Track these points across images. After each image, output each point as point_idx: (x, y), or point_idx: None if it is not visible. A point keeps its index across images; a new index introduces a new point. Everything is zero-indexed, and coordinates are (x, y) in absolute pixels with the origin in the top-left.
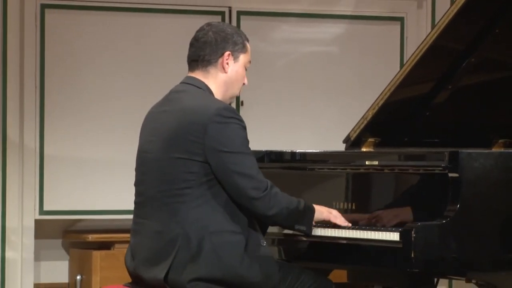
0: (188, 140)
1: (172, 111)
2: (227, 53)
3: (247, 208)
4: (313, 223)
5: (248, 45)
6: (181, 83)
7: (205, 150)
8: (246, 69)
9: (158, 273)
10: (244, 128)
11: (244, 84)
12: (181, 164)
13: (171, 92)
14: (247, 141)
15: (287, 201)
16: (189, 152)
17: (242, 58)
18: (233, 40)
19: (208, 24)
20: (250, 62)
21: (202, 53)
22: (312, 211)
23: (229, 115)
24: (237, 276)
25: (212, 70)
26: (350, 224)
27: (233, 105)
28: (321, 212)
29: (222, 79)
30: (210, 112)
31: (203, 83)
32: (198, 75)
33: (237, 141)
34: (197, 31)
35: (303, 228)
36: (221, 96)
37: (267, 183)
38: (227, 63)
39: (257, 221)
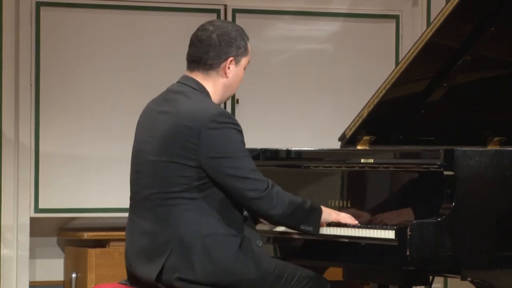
0: (181, 145)
1: (167, 113)
2: (230, 59)
3: (250, 209)
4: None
5: (249, 45)
6: (178, 82)
7: (199, 156)
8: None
9: (151, 272)
10: (240, 131)
11: None
12: (174, 167)
13: (168, 91)
14: (243, 144)
15: (290, 200)
16: (182, 157)
17: (244, 61)
18: (236, 44)
19: (211, 24)
20: (249, 61)
21: (205, 56)
22: (319, 211)
23: (224, 121)
24: (232, 275)
25: (213, 74)
26: (357, 222)
27: (228, 103)
28: (329, 213)
29: (222, 83)
30: (204, 118)
31: (201, 85)
32: (197, 76)
33: (232, 146)
34: (200, 30)
35: (309, 228)
36: (218, 98)
37: (267, 183)
38: (229, 68)
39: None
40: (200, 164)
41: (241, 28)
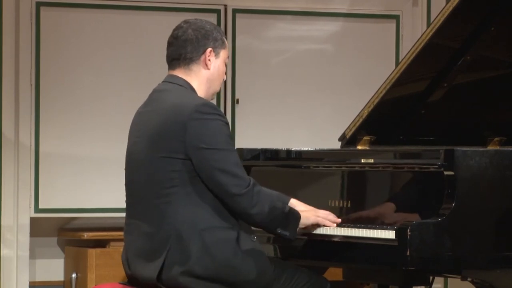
0: (169, 139)
1: (154, 110)
2: (209, 49)
3: (229, 206)
4: (298, 229)
5: (226, 40)
6: (163, 82)
7: (186, 147)
8: (225, 65)
9: (151, 272)
10: (226, 124)
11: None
12: (165, 163)
13: (154, 91)
14: (229, 138)
15: (270, 202)
16: (171, 150)
17: (222, 53)
18: (213, 36)
19: (186, 22)
20: (228, 57)
21: (183, 51)
22: (297, 217)
23: (209, 111)
24: (231, 270)
25: (194, 67)
26: (339, 221)
27: (229, 103)
28: (307, 217)
29: (205, 76)
30: (189, 109)
31: (185, 81)
32: (180, 73)
33: (218, 138)
34: (175, 30)
35: (286, 233)
36: (204, 93)
37: (249, 180)
38: (209, 60)
39: None
40: (188, 156)
41: (216, 24)
